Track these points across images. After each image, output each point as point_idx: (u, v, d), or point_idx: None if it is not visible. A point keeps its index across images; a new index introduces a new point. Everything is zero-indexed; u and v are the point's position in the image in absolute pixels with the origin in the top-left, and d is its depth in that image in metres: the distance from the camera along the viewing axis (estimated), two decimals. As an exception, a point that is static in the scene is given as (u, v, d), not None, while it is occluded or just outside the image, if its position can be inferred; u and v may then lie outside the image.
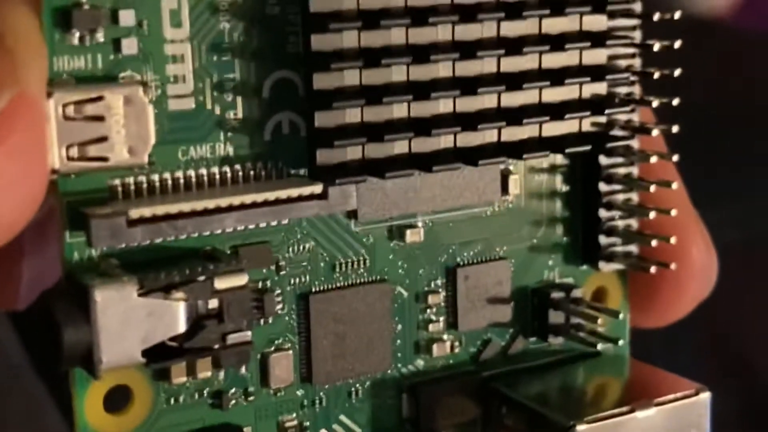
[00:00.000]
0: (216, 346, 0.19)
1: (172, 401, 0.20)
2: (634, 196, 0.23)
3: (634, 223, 0.23)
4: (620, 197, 0.23)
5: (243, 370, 0.20)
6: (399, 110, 0.20)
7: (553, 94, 0.21)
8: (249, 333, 0.19)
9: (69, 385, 0.19)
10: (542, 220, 0.23)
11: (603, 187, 0.23)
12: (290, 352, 0.21)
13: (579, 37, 0.21)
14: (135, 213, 0.18)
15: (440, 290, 0.22)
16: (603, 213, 0.23)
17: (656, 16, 0.22)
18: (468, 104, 0.20)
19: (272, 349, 0.20)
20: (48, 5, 0.18)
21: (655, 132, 0.22)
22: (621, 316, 0.23)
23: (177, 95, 0.19)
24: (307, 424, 0.21)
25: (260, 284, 0.20)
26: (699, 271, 0.24)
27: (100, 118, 0.18)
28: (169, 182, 0.19)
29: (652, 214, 0.23)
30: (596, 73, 0.22)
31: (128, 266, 0.18)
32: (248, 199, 0.19)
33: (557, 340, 0.23)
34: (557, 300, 0.23)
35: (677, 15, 0.22)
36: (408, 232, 0.22)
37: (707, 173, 0.39)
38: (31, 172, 0.17)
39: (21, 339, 0.31)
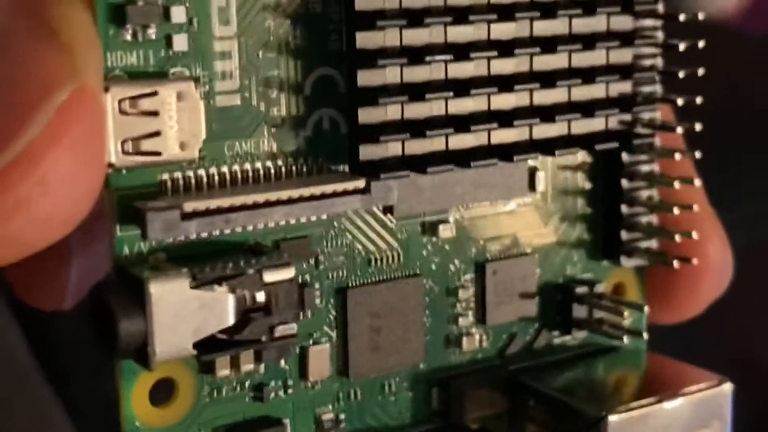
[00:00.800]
0: (263, 339, 0.19)
1: (215, 394, 0.20)
2: (655, 193, 0.24)
3: (654, 219, 0.24)
4: (642, 194, 0.24)
5: (282, 363, 0.21)
6: (438, 107, 0.20)
7: (582, 92, 0.22)
8: (294, 326, 0.19)
9: (116, 378, 0.19)
10: (566, 216, 0.24)
11: (625, 183, 0.24)
12: (327, 345, 0.21)
13: (607, 37, 0.22)
14: (189, 206, 0.18)
15: (470, 285, 0.23)
16: (625, 209, 0.24)
17: (682, 17, 0.22)
18: (503, 101, 0.21)
19: (310, 342, 0.21)
20: (102, 1, 0.18)
21: (679, 130, 0.23)
22: (646, 309, 0.24)
23: (224, 91, 0.19)
24: (342, 417, 0.21)
25: (300, 278, 0.20)
26: (715, 268, 0.24)
27: (154, 113, 0.18)
28: (216, 177, 0.19)
29: (676, 210, 0.23)
30: (623, 71, 0.22)
31: (175, 261, 0.19)
32: (295, 193, 0.19)
33: (580, 334, 0.24)
34: (581, 295, 0.24)
35: (701, 16, 0.22)
36: (440, 227, 0.22)
37: (718, 174, 0.40)
38: (91, 166, 0.17)
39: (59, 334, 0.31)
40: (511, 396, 0.23)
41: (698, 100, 0.22)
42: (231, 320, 0.19)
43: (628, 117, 0.22)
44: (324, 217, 0.20)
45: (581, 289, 0.24)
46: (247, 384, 0.20)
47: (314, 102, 0.20)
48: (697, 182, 0.24)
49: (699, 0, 0.53)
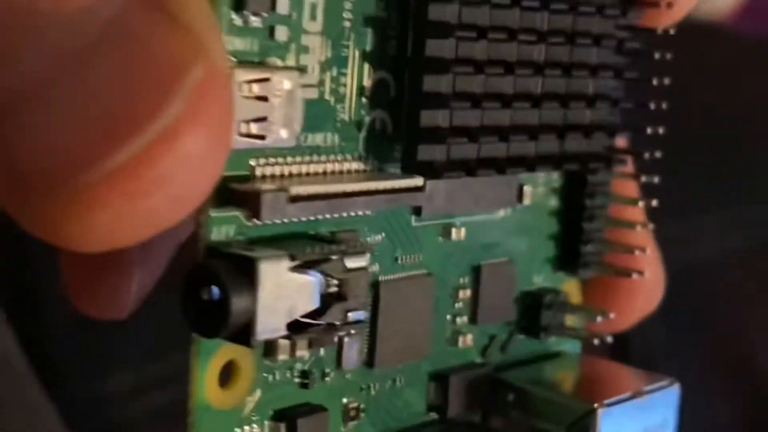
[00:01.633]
0: (338, 323, 0.20)
1: (270, 379, 0.20)
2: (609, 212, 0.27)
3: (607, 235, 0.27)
4: (600, 212, 0.26)
5: (321, 351, 0.21)
6: (489, 117, 0.22)
7: (580, 115, 0.24)
8: (363, 313, 0.20)
9: (191, 357, 0.19)
10: (539, 229, 0.26)
11: (587, 202, 0.26)
12: (358, 337, 0.22)
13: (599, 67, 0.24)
14: (294, 190, 0.19)
15: (468, 286, 0.24)
16: (585, 225, 0.26)
17: (657, 55, 0.25)
18: (529, 117, 0.23)
19: (347, 333, 0.22)
20: (226, -15, 0.18)
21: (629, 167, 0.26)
22: (611, 315, 0.26)
23: (306, 84, 0.20)
24: (363, 407, 0.22)
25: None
26: (649, 287, 0.27)
27: (263, 99, 0.19)
28: (293, 166, 0.20)
29: (638, 228, 0.26)
30: (609, 99, 0.25)
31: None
32: (372, 186, 0.20)
33: (548, 338, 0.26)
34: (549, 302, 0.26)
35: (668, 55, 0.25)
36: (453, 230, 0.23)
37: (709, 178, 0.40)
38: (224, 144, 0.17)
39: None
40: (493, 393, 0.25)
41: (660, 130, 0.25)
42: (316, 304, 0.19)
43: (610, 141, 0.25)
44: (369, 212, 0.21)
45: (549, 297, 0.26)
46: (296, 370, 0.21)
47: (371, 103, 0.21)
48: (641, 203, 0.26)
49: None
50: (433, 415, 0.24)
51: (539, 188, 0.26)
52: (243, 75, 0.18)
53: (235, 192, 0.19)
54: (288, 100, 0.19)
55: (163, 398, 0.34)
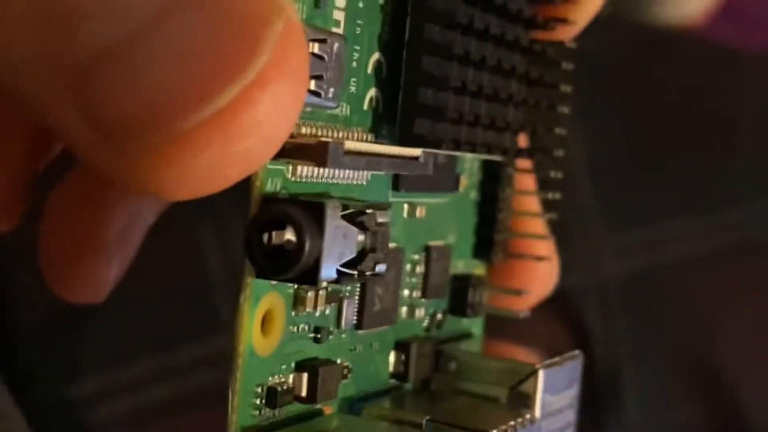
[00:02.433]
0: (368, 273, 0.21)
1: (294, 331, 0.22)
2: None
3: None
4: (509, 203, 0.29)
5: (327, 311, 0.23)
6: (472, 103, 0.24)
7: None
8: (385, 265, 0.22)
9: (240, 303, 0.20)
10: (464, 217, 0.28)
11: (500, 194, 0.29)
12: (355, 298, 0.23)
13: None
14: (347, 145, 0.20)
15: (422, 263, 0.26)
16: (499, 215, 0.29)
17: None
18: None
19: (346, 293, 0.23)
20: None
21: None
22: (527, 292, 0.29)
23: (335, 54, 0.22)
24: (351, 367, 0.24)
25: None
26: (543, 271, 0.30)
27: (320, 58, 0.20)
28: (320, 129, 0.21)
29: (547, 216, 0.29)
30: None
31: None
32: (394, 151, 0.22)
33: (475, 316, 0.28)
34: (474, 283, 0.28)
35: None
36: (417, 208, 0.26)
37: (674, 184, 0.41)
38: (302, 92, 0.19)
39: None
40: (436, 363, 0.27)
41: (560, 153, 0.28)
42: (354, 252, 0.21)
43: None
44: (363, 182, 0.23)
45: (474, 278, 0.28)
46: (311, 324, 0.22)
47: (371, 81, 0.23)
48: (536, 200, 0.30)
49: (665, 7, 0.52)
50: (394, 382, 0.26)
51: (468, 179, 0.28)
52: (310, 34, 0.20)
53: (293, 145, 0.20)
54: (336, 63, 0.21)
55: (130, 403, 0.34)
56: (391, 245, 0.24)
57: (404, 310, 0.26)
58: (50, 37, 0.18)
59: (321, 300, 0.22)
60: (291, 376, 0.22)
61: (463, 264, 0.29)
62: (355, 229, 0.21)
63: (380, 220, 0.21)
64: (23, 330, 0.34)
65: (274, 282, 0.21)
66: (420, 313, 0.26)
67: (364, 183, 0.23)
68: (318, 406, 0.22)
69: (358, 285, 0.23)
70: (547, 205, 0.30)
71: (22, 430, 0.28)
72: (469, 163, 0.28)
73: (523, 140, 0.29)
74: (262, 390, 0.21)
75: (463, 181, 0.28)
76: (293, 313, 0.21)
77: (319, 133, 0.21)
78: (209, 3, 0.18)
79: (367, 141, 0.23)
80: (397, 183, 0.24)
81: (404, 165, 0.23)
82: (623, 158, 0.41)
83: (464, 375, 0.27)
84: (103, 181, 0.27)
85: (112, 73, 0.18)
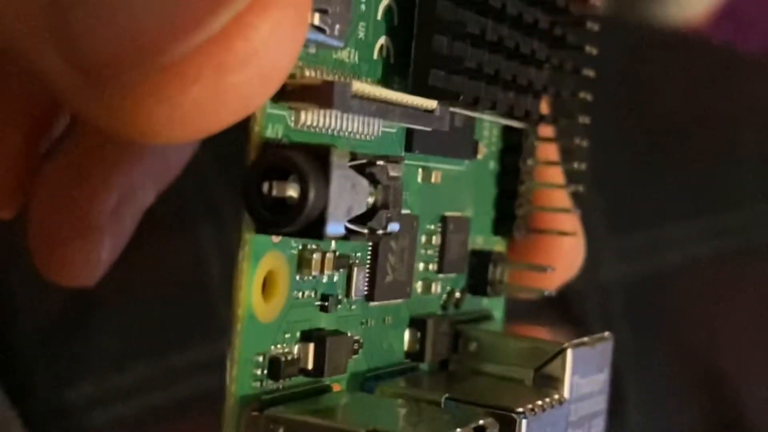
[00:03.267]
0: (380, 232, 0.19)
1: (299, 296, 0.20)
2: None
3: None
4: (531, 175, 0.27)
5: (335, 277, 0.21)
6: (493, 59, 0.22)
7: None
8: (398, 224, 0.20)
9: (239, 262, 0.18)
10: (485, 188, 0.26)
11: (522, 165, 0.27)
12: (365, 266, 0.21)
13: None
14: (355, 87, 0.18)
15: (438, 234, 0.24)
16: (521, 188, 0.27)
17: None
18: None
19: (356, 260, 0.21)
20: None
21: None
22: (551, 269, 0.27)
23: (340, -6, 0.20)
24: (362, 341, 0.22)
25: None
26: (568, 246, 0.28)
27: (324, -9, 0.18)
28: (327, 76, 0.20)
29: (571, 188, 0.27)
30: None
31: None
32: (408, 100, 0.20)
33: (493, 294, 0.26)
34: (495, 259, 0.26)
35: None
36: (433, 173, 0.24)
37: (677, 187, 0.40)
38: (304, 23, 0.17)
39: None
40: (455, 344, 0.25)
41: (586, 120, 0.27)
42: (365, 207, 0.19)
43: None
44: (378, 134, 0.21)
45: (494, 254, 0.26)
46: (318, 291, 0.20)
47: (381, 28, 0.21)
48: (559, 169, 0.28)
49: (666, 9, 0.53)
50: (409, 362, 0.24)
51: (486, 148, 0.26)
52: (311, -37, 0.18)
53: (295, 86, 0.18)
54: (341, 2, 0.19)
55: (128, 408, 0.33)
56: (404, 212, 0.23)
57: (419, 285, 0.24)
58: None
59: (328, 263, 0.20)
60: (296, 347, 0.20)
61: (483, 240, 0.27)
62: (364, 181, 0.19)
63: (393, 173, 0.20)
64: (21, 335, 0.33)
65: (276, 240, 0.19)
66: (436, 288, 0.24)
67: (374, 138, 0.21)
68: (326, 381, 0.20)
69: (369, 250, 0.21)
70: (572, 176, 0.28)
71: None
72: (488, 130, 0.26)
73: (545, 106, 0.28)
74: (264, 359, 0.19)
75: (482, 149, 0.26)
76: (298, 277, 0.20)
77: (325, 78, 0.19)
78: None
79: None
80: (410, 143, 0.22)
81: (418, 117, 0.21)
82: (624, 161, 0.40)
83: (485, 356, 0.25)
84: (91, 155, 0.25)
85: (88, 3, 0.16)
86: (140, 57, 0.16)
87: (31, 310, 0.34)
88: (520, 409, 0.21)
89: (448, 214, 0.24)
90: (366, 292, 0.22)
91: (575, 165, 0.27)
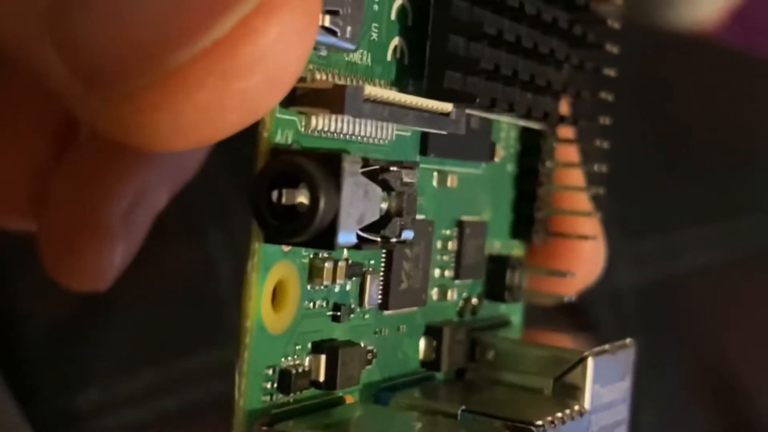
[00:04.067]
0: (393, 240, 0.19)
1: (310, 307, 0.19)
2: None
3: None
4: (549, 178, 0.27)
5: (348, 286, 0.20)
6: (507, 60, 0.21)
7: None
8: (412, 232, 0.19)
9: (248, 272, 0.18)
10: (502, 191, 0.26)
11: (541, 167, 0.26)
12: (379, 273, 0.21)
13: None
14: (368, 91, 0.18)
15: (454, 239, 0.24)
16: (539, 191, 0.26)
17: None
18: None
19: (369, 269, 0.21)
20: None
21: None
22: (572, 274, 0.26)
23: (353, -6, 0.19)
24: (375, 351, 0.21)
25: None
26: (589, 251, 0.28)
27: (336, -8, 0.18)
28: (338, 79, 0.19)
29: (592, 191, 0.26)
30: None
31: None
32: (423, 104, 0.19)
33: (511, 300, 0.26)
34: (513, 264, 0.25)
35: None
36: (449, 176, 0.23)
37: (689, 193, 0.40)
38: (314, 26, 0.16)
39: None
40: (472, 351, 0.24)
41: (606, 120, 0.26)
42: (377, 215, 0.18)
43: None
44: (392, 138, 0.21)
45: (512, 259, 0.26)
46: (329, 301, 0.19)
47: (395, 29, 0.21)
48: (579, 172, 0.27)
49: (678, 13, 0.52)
50: (424, 371, 0.23)
51: (504, 150, 0.25)
52: (321, -37, 0.17)
53: (306, 90, 0.17)
54: (354, 2, 0.18)
55: (136, 414, 0.33)
56: (419, 217, 0.22)
57: (435, 291, 0.23)
58: None
59: (340, 272, 0.19)
60: (307, 358, 0.19)
61: (500, 245, 0.26)
62: (377, 188, 0.18)
63: (407, 179, 0.19)
64: (28, 340, 0.33)
65: (286, 249, 0.18)
66: (452, 295, 0.24)
67: (388, 142, 0.21)
68: (338, 393, 0.20)
69: (383, 258, 0.21)
70: (591, 179, 0.27)
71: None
72: (505, 131, 0.25)
73: (564, 106, 0.27)
74: (274, 372, 0.18)
75: (500, 152, 0.25)
76: (309, 287, 0.19)
77: (337, 81, 0.19)
78: None
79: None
80: (425, 146, 0.22)
81: (433, 121, 0.20)
82: (637, 166, 0.40)
83: (503, 364, 0.24)
84: (103, 158, 0.25)
85: (87, 2, 0.15)
86: (142, 64, 0.15)
87: (39, 314, 0.33)
88: (540, 422, 0.20)
89: (464, 218, 0.24)
90: (380, 301, 0.21)
91: (595, 167, 0.27)
